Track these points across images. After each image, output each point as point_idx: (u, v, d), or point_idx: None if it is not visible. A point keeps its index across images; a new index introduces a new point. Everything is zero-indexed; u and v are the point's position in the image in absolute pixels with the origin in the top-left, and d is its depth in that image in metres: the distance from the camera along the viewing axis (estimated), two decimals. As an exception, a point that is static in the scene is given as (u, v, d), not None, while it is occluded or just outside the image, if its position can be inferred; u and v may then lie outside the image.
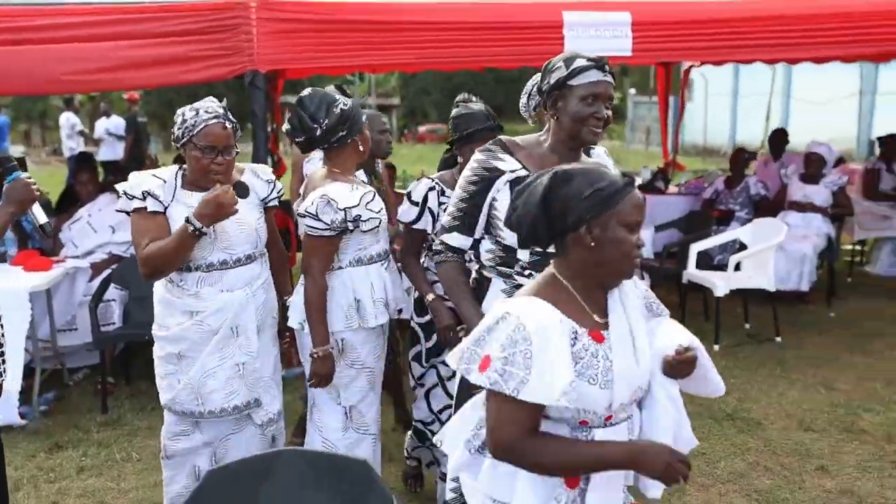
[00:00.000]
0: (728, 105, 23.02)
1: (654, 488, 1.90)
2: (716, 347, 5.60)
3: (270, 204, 3.09)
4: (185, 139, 2.85)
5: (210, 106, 2.88)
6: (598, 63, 2.34)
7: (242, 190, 2.97)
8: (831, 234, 6.78)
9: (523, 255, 2.37)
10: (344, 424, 3.03)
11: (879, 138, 8.09)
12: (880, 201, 7.75)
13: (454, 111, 3.33)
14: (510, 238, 2.34)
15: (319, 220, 2.82)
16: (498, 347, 1.74)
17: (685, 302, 6.20)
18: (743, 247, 6.20)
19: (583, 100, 2.34)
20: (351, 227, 2.87)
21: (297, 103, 2.98)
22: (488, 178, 2.39)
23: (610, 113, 2.39)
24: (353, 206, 2.84)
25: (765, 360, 5.42)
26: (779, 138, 8.08)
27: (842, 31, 6.01)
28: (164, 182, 2.89)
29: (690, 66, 11.21)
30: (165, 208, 2.88)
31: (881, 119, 16.38)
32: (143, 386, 5.00)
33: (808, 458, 3.94)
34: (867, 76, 17.26)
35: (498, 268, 2.44)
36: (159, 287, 2.99)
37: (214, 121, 2.84)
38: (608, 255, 1.81)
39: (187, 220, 2.77)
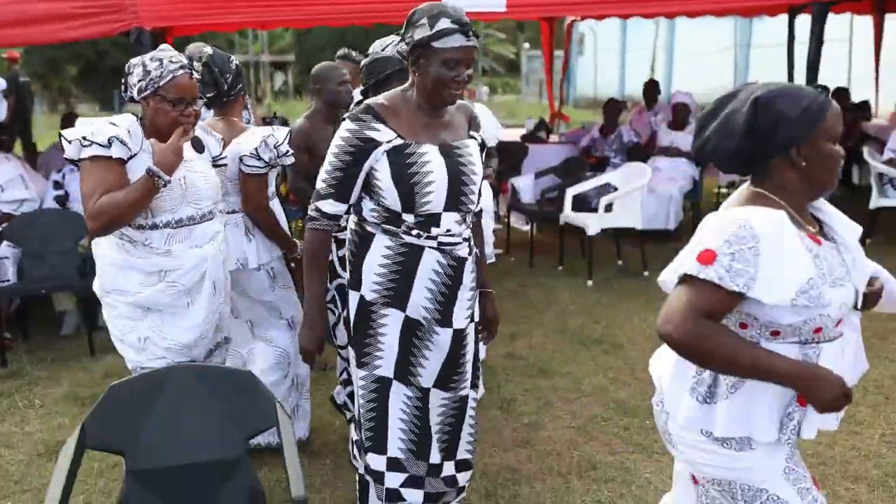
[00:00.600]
0: (616, 59, 23.75)
1: (813, 421, 1.85)
2: (589, 283, 6.08)
3: (220, 163, 3.05)
4: (148, 91, 2.70)
5: (173, 55, 2.75)
6: (463, 27, 2.31)
7: (199, 144, 2.94)
8: (696, 176, 7.35)
9: (408, 218, 2.42)
10: (290, 333, 3.57)
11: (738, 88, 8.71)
12: (742, 146, 8.38)
13: (367, 58, 3.32)
14: (392, 202, 2.40)
15: (261, 158, 3.23)
16: (723, 244, 1.70)
17: (564, 242, 6.67)
18: (616, 190, 6.69)
19: (445, 63, 2.32)
20: (278, 164, 3.32)
21: (208, 60, 3.29)
22: (363, 148, 2.37)
23: (471, 72, 2.42)
24: (279, 145, 3.28)
25: (633, 292, 5.93)
26: (651, 89, 8.61)
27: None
28: (129, 130, 2.70)
29: (573, 21, 11.67)
30: (131, 156, 2.70)
31: (755, 70, 17.34)
32: (42, 340, 5.14)
33: (661, 372, 4.43)
34: (742, 30, 18.14)
35: (383, 226, 2.46)
36: (108, 249, 2.75)
37: (181, 71, 2.71)
38: (819, 171, 1.81)
39: (150, 172, 2.62)
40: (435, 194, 2.39)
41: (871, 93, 11.08)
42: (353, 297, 2.52)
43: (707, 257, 1.69)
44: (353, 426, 2.96)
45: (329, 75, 4.14)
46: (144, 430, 2.28)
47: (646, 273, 6.31)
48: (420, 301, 2.47)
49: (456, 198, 2.43)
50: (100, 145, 2.65)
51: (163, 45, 2.82)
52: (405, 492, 2.62)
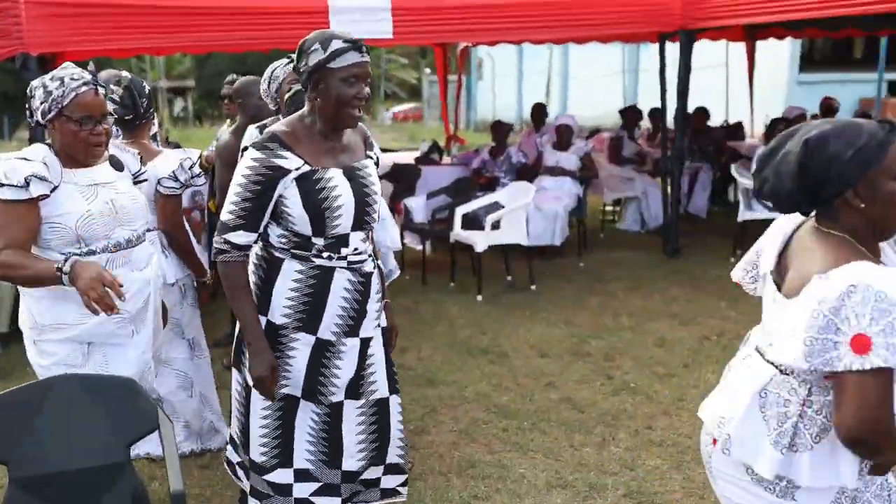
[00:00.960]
0: (514, 84, 24.42)
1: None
2: (479, 297, 6.33)
3: (140, 179, 2.97)
4: (52, 113, 2.57)
5: (74, 72, 2.60)
6: (355, 44, 2.38)
7: (118, 163, 2.84)
8: (580, 194, 7.72)
9: (318, 241, 2.45)
10: (189, 354, 3.66)
11: (621, 110, 9.20)
12: (624, 165, 8.86)
13: (289, 92, 3.46)
14: (303, 227, 2.43)
15: (178, 180, 3.39)
16: (867, 322, 1.60)
17: (455, 259, 6.91)
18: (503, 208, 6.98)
19: (344, 81, 2.36)
20: (191, 184, 3.49)
21: (128, 83, 3.45)
22: (272, 176, 2.37)
23: (369, 91, 2.46)
24: (193, 167, 3.47)
25: (520, 305, 6.21)
26: (538, 112, 8.99)
27: (583, 16, 6.95)
28: (45, 163, 2.55)
29: (467, 47, 12.04)
30: (54, 188, 2.56)
31: (643, 93, 18.16)
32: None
33: (541, 377, 4.70)
34: (630, 56, 18.97)
35: (292, 251, 2.48)
36: None
37: (85, 88, 2.57)
38: (881, 212, 1.73)
39: (59, 270, 2.42)
40: (344, 217, 2.44)
41: (747, 114, 11.84)
42: (260, 322, 2.50)
43: (863, 345, 1.60)
44: (230, 447, 2.81)
45: (251, 90, 4.29)
46: (28, 438, 2.37)
47: (533, 287, 6.60)
48: (332, 321, 2.52)
49: (361, 218, 2.50)
50: (15, 187, 2.47)
51: (65, 64, 2.69)
52: (319, 500, 2.64)
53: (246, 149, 2.46)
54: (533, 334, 5.49)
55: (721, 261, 7.37)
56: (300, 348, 2.52)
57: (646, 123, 9.89)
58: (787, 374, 1.81)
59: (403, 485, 2.83)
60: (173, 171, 3.39)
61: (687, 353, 5.06)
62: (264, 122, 3.78)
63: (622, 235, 8.83)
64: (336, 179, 2.45)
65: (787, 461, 1.80)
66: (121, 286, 2.41)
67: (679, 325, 5.62)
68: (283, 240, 2.48)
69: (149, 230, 3.37)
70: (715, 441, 1.95)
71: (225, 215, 2.44)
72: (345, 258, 2.49)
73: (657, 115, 8.82)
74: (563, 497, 3.40)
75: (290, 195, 2.41)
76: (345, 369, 2.58)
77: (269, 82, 3.74)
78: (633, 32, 8.66)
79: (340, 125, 2.47)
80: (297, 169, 2.40)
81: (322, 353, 2.54)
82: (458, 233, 6.57)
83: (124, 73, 3.53)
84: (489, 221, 6.38)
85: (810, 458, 1.79)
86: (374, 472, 2.74)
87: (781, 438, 1.80)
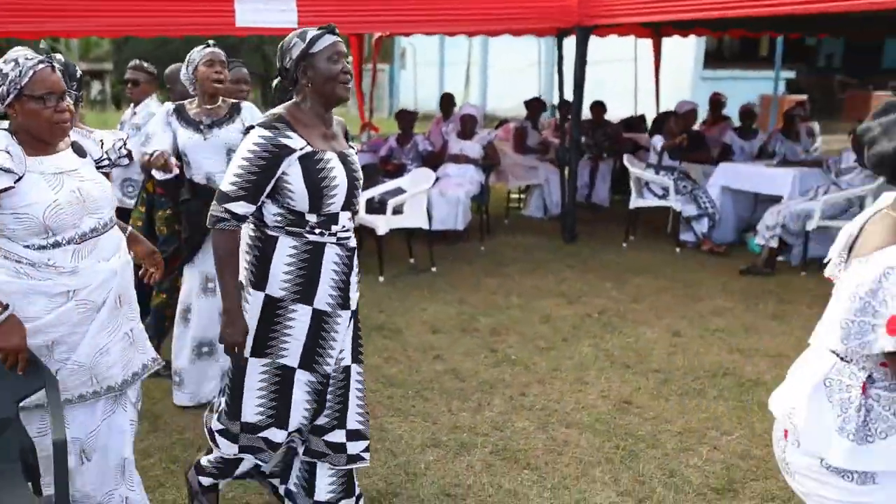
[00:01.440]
0: (436, 73, 24.68)
1: None
2: (381, 278, 6.61)
3: (102, 165, 2.85)
4: (12, 95, 2.48)
5: (27, 52, 2.53)
6: (328, 28, 2.68)
7: (80, 150, 2.75)
8: (482, 181, 8.06)
9: (311, 218, 2.66)
10: None
11: (526, 102, 9.59)
12: (528, 154, 9.24)
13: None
14: (301, 205, 2.63)
15: (109, 159, 3.22)
16: None
17: (361, 242, 7.16)
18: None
19: (329, 59, 2.64)
20: (118, 164, 3.31)
21: (61, 66, 3.40)
22: (278, 154, 2.58)
23: (351, 67, 2.72)
24: (122, 148, 3.43)
25: (419, 286, 6.51)
26: (447, 102, 9.31)
27: (481, 11, 7.27)
28: (8, 152, 2.46)
29: (381, 37, 12.26)
30: (19, 179, 2.48)
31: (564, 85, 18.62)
32: None
33: (429, 351, 5.01)
34: (548, 48, 19.41)
35: (287, 228, 2.68)
36: (2, 276, 2.53)
37: (42, 65, 2.50)
38: None
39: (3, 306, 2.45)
40: (338, 196, 2.66)
41: (653, 107, 12.36)
42: (257, 297, 2.70)
43: (895, 327, 1.65)
44: (214, 415, 2.94)
45: (177, 76, 4.50)
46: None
47: (434, 269, 6.91)
48: (326, 291, 2.72)
49: (350, 198, 2.73)
50: None
51: (16, 47, 2.60)
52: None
53: (252, 127, 2.68)
54: (428, 313, 5.80)
55: (614, 246, 7.84)
56: (299, 318, 2.72)
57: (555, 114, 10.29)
58: (847, 361, 1.84)
59: (366, 450, 3.03)
60: (106, 151, 3.51)
61: (568, 329, 5.43)
62: (181, 102, 4.16)
63: (526, 221, 9.22)
64: (333, 162, 2.68)
65: (863, 451, 1.80)
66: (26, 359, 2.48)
67: (565, 304, 6.00)
68: (279, 217, 2.68)
69: None
70: (787, 433, 1.97)
71: (227, 186, 2.62)
72: (335, 234, 2.71)
73: (565, 107, 9.23)
74: (435, 454, 3.72)
75: (292, 172, 2.62)
76: (339, 340, 2.80)
77: (187, 66, 4.05)
78: (531, 28, 9.04)
79: (335, 101, 2.71)
80: (301, 149, 2.62)
81: (321, 324, 2.75)
82: (362, 217, 6.82)
83: (57, 55, 3.59)
84: (391, 206, 6.66)
85: (889, 444, 1.79)
86: (339, 437, 2.90)
87: (846, 424, 1.81)
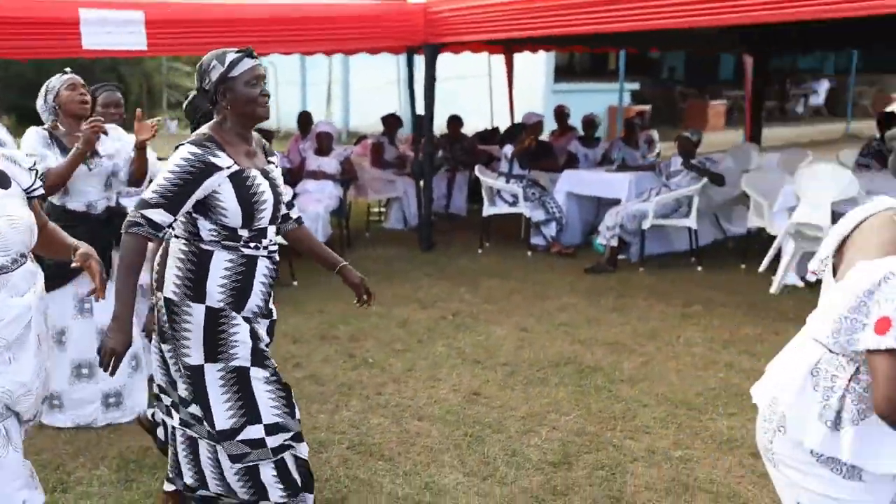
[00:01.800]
0: (297, 92, 24.67)
1: None
2: (242, 294, 6.70)
3: (35, 194, 2.60)
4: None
5: None
6: (247, 52, 2.77)
7: (3, 179, 2.48)
8: (341, 196, 8.27)
9: (244, 233, 2.80)
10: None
11: (383, 118, 9.90)
12: (386, 169, 9.52)
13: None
14: (234, 221, 2.76)
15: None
16: (894, 307, 1.70)
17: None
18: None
19: (247, 84, 2.73)
20: None
21: None
22: (205, 170, 2.68)
23: (268, 89, 2.84)
24: None
25: (280, 299, 6.49)
26: (304, 119, 9.47)
27: (330, 30, 7.49)
28: None
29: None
30: None
31: (418, 101, 19.06)
32: None
33: (290, 359, 5.18)
34: (404, 66, 19.84)
35: (223, 242, 2.80)
36: None
37: None
38: None
39: None
40: (266, 211, 2.81)
41: (508, 120, 12.88)
42: (198, 308, 2.81)
43: (884, 327, 1.71)
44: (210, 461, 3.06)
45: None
46: None
47: (295, 283, 7.06)
48: (255, 300, 2.88)
49: (275, 213, 2.88)
50: None
51: None
52: (298, 446, 3.03)
53: (181, 144, 2.76)
54: (288, 324, 5.94)
55: (470, 253, 8.21)
56: (241, 323, 2.86)
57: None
58: (836, 354, 1.88)
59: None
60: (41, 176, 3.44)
61: (423, 332, 5.71)
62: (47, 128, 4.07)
63: (387, 233, 9.48)
64: (259, 179, 2.81)
65: (833, 436, 1.85)
66: None
67: (420, 309, 6.28)
68: (214, 233, 2.80)
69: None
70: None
71: (148, 194, 2.70)
72: (266, 248, 2.89)
73: (419, 122, 9.57)
74: (293, 454, 3.89)
75: (223, 191, 2.73)
76: (265, 339, 2.99)
77: (45, 95, 4.05)
78: (382, 46, 9.35)
79: (255, 121, 2.82)
80: (228, 167, 2.73)
81: (255, 328, 2.91)
82: (220, 235, 6.91)
83: None
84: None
85: (855, 433, 1.83)
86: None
87: (826, 411, 1.86)
